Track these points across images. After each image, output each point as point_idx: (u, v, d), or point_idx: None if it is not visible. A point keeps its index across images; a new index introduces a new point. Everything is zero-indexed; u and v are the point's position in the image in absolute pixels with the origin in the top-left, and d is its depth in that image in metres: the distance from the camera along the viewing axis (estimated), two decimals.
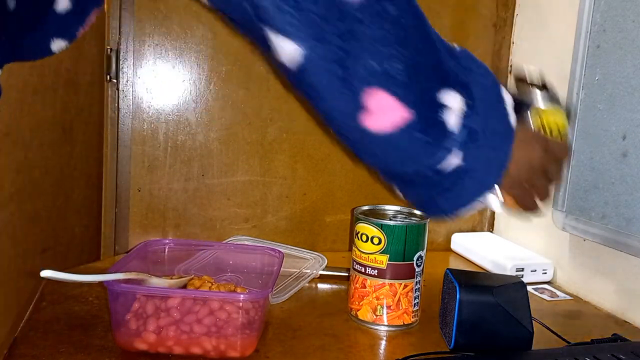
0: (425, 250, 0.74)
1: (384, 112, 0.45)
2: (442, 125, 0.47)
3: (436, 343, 0.69)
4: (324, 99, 0.46)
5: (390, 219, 0.72)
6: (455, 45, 0.51)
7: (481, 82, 0.50)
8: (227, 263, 0.79)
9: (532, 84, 0.60)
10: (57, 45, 0.65)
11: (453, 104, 0.47)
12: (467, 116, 0.48)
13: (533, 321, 0.66)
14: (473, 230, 1.13)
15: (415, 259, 0.72)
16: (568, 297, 0.90)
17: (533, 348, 0.65)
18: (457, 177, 0.49)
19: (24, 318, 0.69)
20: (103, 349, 0.62)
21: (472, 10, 1.07)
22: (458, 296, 0.64)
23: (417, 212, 0.76)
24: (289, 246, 0.94)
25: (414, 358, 0.64)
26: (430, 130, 0.47)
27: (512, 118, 0.51)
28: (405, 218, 0.75)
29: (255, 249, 0.81)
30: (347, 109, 0.45)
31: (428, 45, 0.48)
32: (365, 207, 0.76)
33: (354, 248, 0.74)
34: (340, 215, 1.04)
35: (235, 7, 0.43)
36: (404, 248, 0.70)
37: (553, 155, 0.57)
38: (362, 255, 0.72)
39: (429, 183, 0.50)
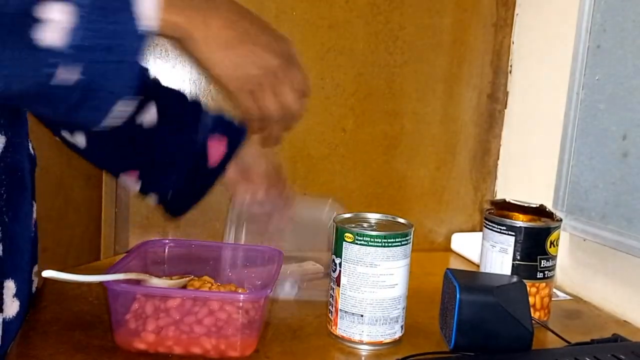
0: (341, 257, 0.68)
1: None
2: (32, 43, 0.45)
3: (436, 343, 0.69)
4: None
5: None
6: None
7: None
8: (227, 263, 0.79)
9: None
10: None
11: (55, 16, 0.45)
12: (75, 31, 0.46)
13: (533, 321, 0.66)
14: (473, 230, 1.13)
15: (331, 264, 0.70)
16: (568, 297, 0.90)
17: (533, 348, 0.65)
18: (84, 90, 0.48)
19: (24, 318, 0.69)
20: (103, 349, 0.62)
21: (472, 10, 1.07)
22: (458, 296, 0.64)
23: (400, 220, 0.73)
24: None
25: (414, 358, 0.64)
26: (17, 51, 0.45)
27: (143, 21, 0.48)
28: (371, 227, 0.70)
29: (256, 249, 0.81)
30: None
31: None
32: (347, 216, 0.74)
33: None
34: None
35: None
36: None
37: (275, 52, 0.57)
38: None
39: (55, 99, 0.49)
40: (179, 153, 0.80)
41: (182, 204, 0.84)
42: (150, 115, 0.77)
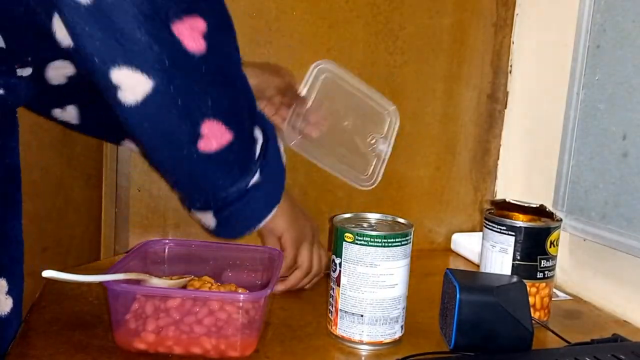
0: (341, 257, 0.68)
1: (214, 136, 0.58)
2: (253, 152, 0.64)
3: (436, 343, 0.70)
4: (162, 129, 0.56)
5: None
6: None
7: (271, 133, 0.68)
8: (227, 263, 0.79)
9: None
10: None
11: (259, 138, 0.64)
12: (263, 149, 0.65)
13: (533, 321, 0.66)
14: (473, 230, 1.13)
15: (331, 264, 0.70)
16: (568, 297, 0.90)
17: (533, 348, 0.65)
18: (252, 194, 0.65)
19: (24, 318, 0.69)
20: (103, 349, 0.63)
21: (472, 10, 1.07)
22: (458, 296, 0.64)
23: (400, 220, 0.73)
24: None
25: (414, 358, 0.64)
26: (245, 151, 0.62)
27: (284, 161, 0.70)
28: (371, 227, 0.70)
29: (256, 249, 0.81)
30: (185, 136, 0.57)
31: (246, 92, 0.63)
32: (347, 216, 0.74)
33: None
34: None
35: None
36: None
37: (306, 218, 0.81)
38: None
39: (239, 199, 0.65)
40: None
41: None
42: None
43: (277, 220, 0.74)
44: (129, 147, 0.87)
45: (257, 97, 0.83)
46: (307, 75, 0.87)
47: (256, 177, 0.64)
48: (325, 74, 0.87)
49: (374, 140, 0.89)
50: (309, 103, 0.86)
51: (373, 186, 0.82)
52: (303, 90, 0.87)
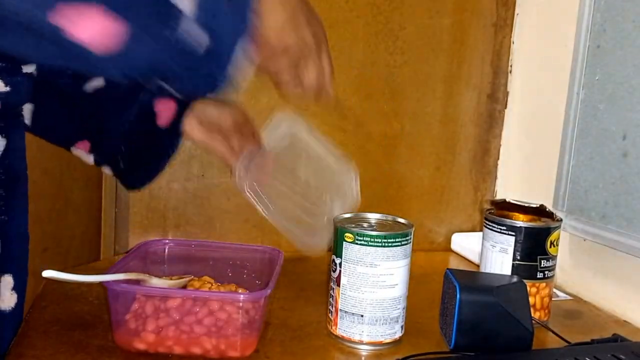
0: (342, 257, 0.68)
1: (100, 34, 0.44)
2: (174, 16, 0.47)
3: (436, 343, 0.70)
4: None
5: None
6: None
7: None
8: (227, 263, 0.79)
9: None
10: None
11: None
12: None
13: (533, 321, 0.66)
14: (473, 230, 1.13)
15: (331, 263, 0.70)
16: (568, 297, 0.90)
17: (533, 348, 0.65)
18: (211, 54, 0.51)
19: (24, 318, 0.69)
20: (103, 349, 0.63)
21: (472, 10, 1.07)
22: (458, 296, 0.64)
23: (401, 220, 0.73)
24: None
25: (414, 358, 0.64)
26: (159, 26, 0.47)
27: None
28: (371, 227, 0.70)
29: (256, 249, 0.81)
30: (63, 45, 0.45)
31: None
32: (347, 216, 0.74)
33: None
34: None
35: None
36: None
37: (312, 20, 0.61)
38: None
39: (192, 69, 0.52)
40: (126, 117, 0.77)
41: (140, 174, 0.82)
42: (96, 81, 0.75)
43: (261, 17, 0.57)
44: (79, 155, 0.84)
45: (212, 130, 0.76)
46: (268, 122, 0.85)
47: (202, 41, 0.50)
48: (286, 124, 0.85)
49: (328, 200, 0.86)
50: (264, 148, 0.83)
51: (318, 249, 0.78)
52: (262, 135, 0.84)
